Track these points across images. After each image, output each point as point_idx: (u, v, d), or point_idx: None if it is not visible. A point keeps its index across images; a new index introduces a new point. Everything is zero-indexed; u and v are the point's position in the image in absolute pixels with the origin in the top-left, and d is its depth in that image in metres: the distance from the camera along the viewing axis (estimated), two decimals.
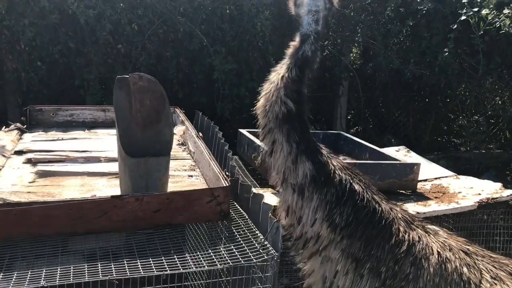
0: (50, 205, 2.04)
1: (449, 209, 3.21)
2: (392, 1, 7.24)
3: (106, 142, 3.58)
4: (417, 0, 7.03)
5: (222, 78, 6.19)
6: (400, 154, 4.52)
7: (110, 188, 2.69)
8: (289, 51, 2.14)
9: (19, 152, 3.22)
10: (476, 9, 6.61)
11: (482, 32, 6.71)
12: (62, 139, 3.61)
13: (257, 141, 3.92)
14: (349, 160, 4.02)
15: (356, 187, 2.02)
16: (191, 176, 2.97)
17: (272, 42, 6.55)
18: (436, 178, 3.92)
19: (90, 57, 6.22)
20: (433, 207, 3.27)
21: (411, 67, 7.22)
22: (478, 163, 8.96)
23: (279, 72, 2.11)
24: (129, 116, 2.53)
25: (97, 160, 3.12)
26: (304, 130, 2.10)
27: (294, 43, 2.12)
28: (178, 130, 3.92)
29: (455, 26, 6.86)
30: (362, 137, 9.01)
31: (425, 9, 7.03)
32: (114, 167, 3.00)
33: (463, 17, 6.76)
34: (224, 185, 2.37)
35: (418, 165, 3.58)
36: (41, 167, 2.94)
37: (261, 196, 2.43)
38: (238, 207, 2.48)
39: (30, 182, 2.71)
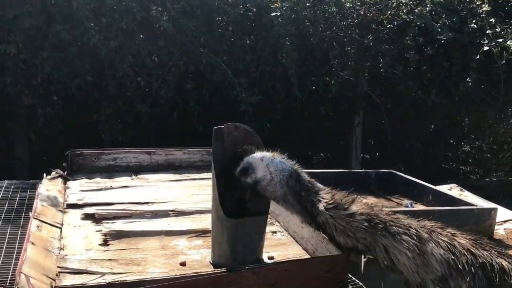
0: (164, 284, 1.74)
1: None
2: (410, 31, 7.16)
3: (162, 190, 3.28)
4: (437, 30, 6.95)
5: (248, 110, 5.96)
6: (455, 193, 4.32)
7: (194, 250, 2.39)
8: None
9: (74, 206, 2.90)
10: (500, 40, 6.57)
11: (504, 61, 6.68)
12: (112, 188, 3.29)
13: None
14: (418, 206, 3.80)
15: (504, 263, 1.77)
16: (275, 232, 2.69)
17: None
18: (505, 221, 3.72)
19: (108, 91, 5.93)
20: None
21: (432, 97, 7.12)
22: (491, 191, 8.87)
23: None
24: (220, 169, 2.26)
25: (165, 214, 2.82)
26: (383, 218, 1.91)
27: None
28: None
29: (478, 57, 6.81)
30: (368, 165, 8.93)
31: (444, 38, 6.96)
32: (188, 223, 2.71)
33: (486, 48, 6.72)
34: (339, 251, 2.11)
35: (495, 210, 3.38)
36: (107, 225, 2.62)
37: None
38: (350, 275, 2.22)
39: (102, 245, 2.39)
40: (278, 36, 6.02)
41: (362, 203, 1.97)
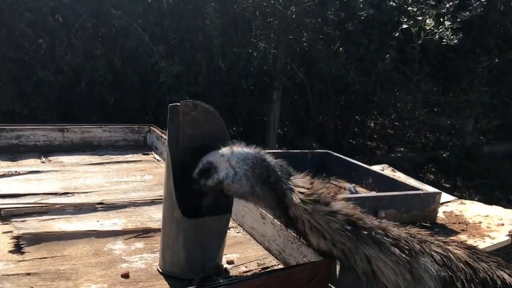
0: None
1: (488, 246, 2.97)
2: (332, 5, 7.03)
3: (81, 176, 2.74)
4: (359, 6, 6.87)
5: (169, 82, 5.42)
6: (388, 173, 4.24)
7: (135, 255, 1.95)
8: None
9: None
10: (420, 18, 6.63)
11: (421, 41, 6.78)
12: (18, 173, 2.69)
13: None
14: (362, 190, 3.62)
15: (506, 276, 1.58)
16: (228, 228, 2.32)
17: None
18: (441, 204, 3.69)
19: (2, 53, 5.05)
20: (470, 244, 3.01)
21: (352, 74, 7.08)
22: (396, 166, 9.20)
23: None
24: (175, 157, 1.84)
25: (91, 208, 2.31)
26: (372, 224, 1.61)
27: None
28: None
29: (397, 34, 6.84)
30: (283, 141, 8.86)
31: (365, 14, 6.92)
32: (122, 220, 2.24)
33: (405, 26, 6.75)
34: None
35: (439, 194, 3.30)
36: (19, 224, 2.07)
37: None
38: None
39: (13, 253, 1.86)
40: None
41: (344, 200, 1.67)
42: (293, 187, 1.65)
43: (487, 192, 8.07)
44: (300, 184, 1.67)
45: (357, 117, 9.83)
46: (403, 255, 1.54)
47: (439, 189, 3.75)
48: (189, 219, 1.75)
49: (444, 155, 9.44)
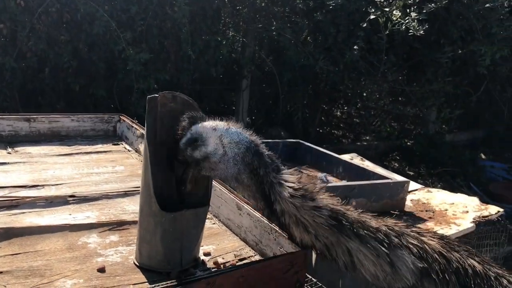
0: None
1: (454, 232, 3.07)
2: None
3: (50, 168, 2.67)
4: None
5: (137, 70, 5.32)
6: (357, 162, 4.32)
7: (110, 249, 1.92)
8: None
9: None
10: (387, 9, 6.71)
11: (388, 32, 6.88)
12: None
13: None
14: (333, 179, 3.67)
15: (476, 264, 1.64)
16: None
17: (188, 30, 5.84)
18: (409, 192, 3.79)
19: None
20: (437, 231, 3.10)
21: (320, 63, 7.13)
22: (361, 154, 9.38)
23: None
24: (153, 150, 1.82)
25: (63, 201, 2.26)
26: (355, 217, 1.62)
27: None
28: None
29: (365, 24, 6.92)
30: (251, 129, 8.88)
31: (333, 4, 6.96)
32: (95, 213, 2.19)
33: (372, 16, 6.83)
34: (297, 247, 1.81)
35: (408, 183, 3.39)
36: None
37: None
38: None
39: None
40: None
41: (328, 194, 1.69)
42: (282, 181, 1.63)
43: (449, 179, 8.33)
44: (289, 179, 1.64)
45: (324, 106, 9.96)
46: (382, 248, 1.57)
47: (403, 176, 3.85)
48: (167, 213, 1.73)
49: (408, 143, 9.67)
